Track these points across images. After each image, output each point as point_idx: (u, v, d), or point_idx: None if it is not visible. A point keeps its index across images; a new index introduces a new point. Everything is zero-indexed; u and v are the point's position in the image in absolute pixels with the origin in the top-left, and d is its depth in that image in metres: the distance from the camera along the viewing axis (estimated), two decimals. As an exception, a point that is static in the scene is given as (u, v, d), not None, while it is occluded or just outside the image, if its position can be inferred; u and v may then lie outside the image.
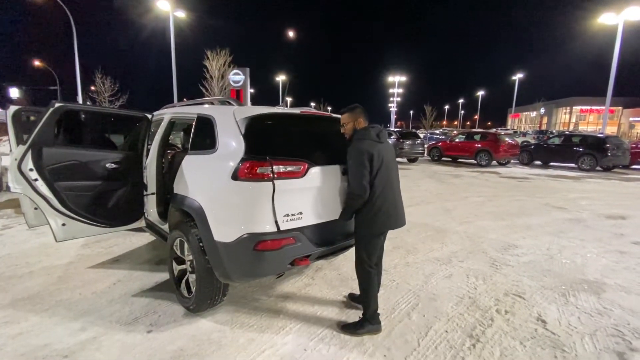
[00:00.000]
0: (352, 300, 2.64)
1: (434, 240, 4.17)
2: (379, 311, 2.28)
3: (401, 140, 13.50)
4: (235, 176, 2.01)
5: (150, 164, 2.96)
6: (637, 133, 38.19)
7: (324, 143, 2.53)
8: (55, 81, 33.04)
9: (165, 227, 2.89)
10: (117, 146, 3.35)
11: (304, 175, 2.16)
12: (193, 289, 2.39)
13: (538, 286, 2.97)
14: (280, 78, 38.61)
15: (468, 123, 75.96)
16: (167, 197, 2.82)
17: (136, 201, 2.93)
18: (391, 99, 41.97)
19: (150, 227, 3.16)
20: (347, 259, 3.38)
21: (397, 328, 2.31)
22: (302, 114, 2.61)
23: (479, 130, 17.70)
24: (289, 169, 2.11)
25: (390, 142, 2.37)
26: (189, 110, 2.88)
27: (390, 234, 2.24)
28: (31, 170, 2.47)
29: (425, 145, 15.44)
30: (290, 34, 24.91)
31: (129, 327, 2.29)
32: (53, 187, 2.55)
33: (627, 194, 7.69)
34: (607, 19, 15.92)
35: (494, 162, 13.20)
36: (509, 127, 46.34)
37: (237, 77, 12.19)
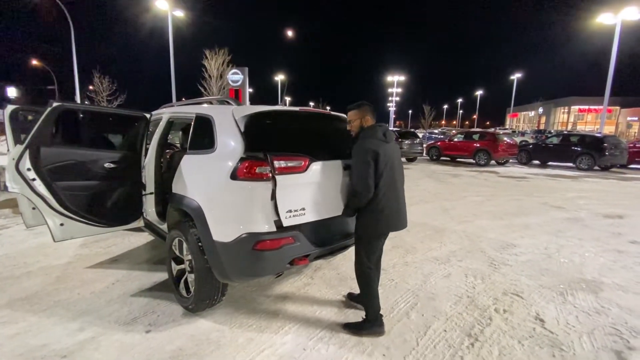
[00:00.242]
0: (351, 299, 2.64)
1: (432, 239, 4.18)
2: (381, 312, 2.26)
3: (400, 139, 13.50)
4: (234, 176, 2.01)
5: (148, 163, 2.95)
6: (635, 132, 38.35)
7: (324, 140, 2.54)
8: (53, 80, 32.96)
9: (164, 226, 2.88)
10: (116, 146, 3.34)
11: (306, 170, 2.16)
12: (192, 289, 2.38)
13: (536, 285, 2.98)
14: (279, 78, 38.59)
15: (467, 123, 76.14)
16: (166, 197, 2.82)
17: (135, 201, 2.92)
18: (390, 98, 42.03)
19: (149, 226, 3.15)
20: (346, 259, 3.38)
21: (396, 327, 2.31)
22: (302, 111, 2.62)
23: (478, 129, 17.76)
24: (290, 164, 2.10)
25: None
26: (187, 110, 2.87)
27: (390, 233, 2.24)
28: (29, 169, 2.47)
29: (424, 145, 15.46)
30: (289, 33, 24.89)
31: (128, 327, 2.28)
32: (51, 186, 2.55)
33: (624, 194, 7.72)
34: (605, 19, 15.97)
35: (493, 162, 13.23)
36: (507, 127, 46.46)
37: (236, 76, 12.17)
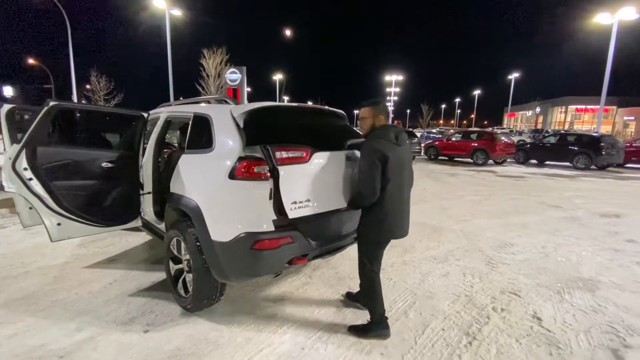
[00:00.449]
0: (349, 299, 2.64)
1: (430, 238, 4.19)
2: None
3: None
4: (232, 175, 2.01)
5: (146, 163, 2.94)
6: (631, 132, 38.57)
7: (322, 135, 2.54)
8: (49, 80, 32.76)
9: (162, 226, 2.87)
10: (113, 145, 3.33)
11: (308, 160, 2.17)
12: (190, 289, 2.38)
13: (534, 284, 3.00)
14: (278, 77, 38.52)
15: (465, 122, 76.30)
16: (164, 197, 2.81)
17: (132, 200, 2.91)
18: (388, 97, 42.06)
19: (147, 226, 3.14)
20: (345, 258, 3.39)
21: (395, 326, 2.31)
22: (300, 107, 2.62)
23: (476, 129, 17.79)
24: (292, 154, 2.10)
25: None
26: (185, 109, 2.86)
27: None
28: (25, 169, 2.45)
29: (422, 144, 15.49)
30: (288, 32, 24.85)
31: (126, 327, 2.28)
32: (48, 186, 2.53)
33: (621, 193, 7.76)
34: (602, 19, 16.04)
35: (490, 161, 13.28)
36: (505, 126, 46.58)
37: (234, 75, 12.15)
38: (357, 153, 2.59)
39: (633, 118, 41.06)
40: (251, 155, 2.04)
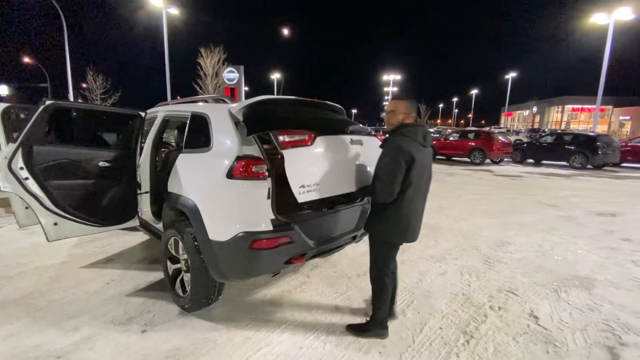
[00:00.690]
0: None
1: (428, 237, 4.20)
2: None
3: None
4: (230, 174, 2.00)
5: (143, 162, 2.93)
6: (627, 132, 38.83)
7: (323, 124, 2.54)
8: (45, 78, 32.53)
9: (160, 226, 2.86)
10: (110, 144, 3.31)
11: (312, 144, 2.18)
12: (188, 288, 2.37)
13: (530, 282, 3.01)
14: (276, 76, 38.46)
15: (462, 121, 76.50)
16: (161, 196, 2.80)
17: (129, 200, 2.90)
18: (386, 97, 42.09)
19: (144, 226, 3.13)
20: (344, 257, 3.39)
21: (392, 325, 2.31)
22: (299, 99, 2.63)
23: (473, 128, 17.86)
24: (295, 137, 2.11)
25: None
26: (183, 108, 2.85)
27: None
28: (22, 168, 2.43)
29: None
30: (285, 31, 24.81)
31: (123, 326, 2.27)
32: (44, 185, 2.51)
33: (617, 192, 7.82)
34: (598, 19, 16.13)
35: (488, 161, 13.33)
36: (502, 126, 46.77)
37: (232, 74, 12.13)
38: (361, 137, 2.60)
39: (629, 118, 41.32)
40: (249, 155, 2.04)
